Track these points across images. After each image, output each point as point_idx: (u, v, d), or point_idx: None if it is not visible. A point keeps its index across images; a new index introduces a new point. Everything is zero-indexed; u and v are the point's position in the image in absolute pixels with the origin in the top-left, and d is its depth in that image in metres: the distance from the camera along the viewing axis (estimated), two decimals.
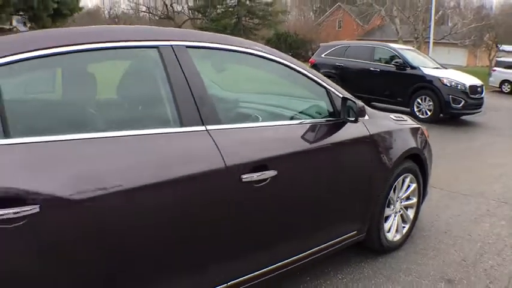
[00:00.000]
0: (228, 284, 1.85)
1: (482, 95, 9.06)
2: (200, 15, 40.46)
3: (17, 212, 1.24)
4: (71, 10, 5.61)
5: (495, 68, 17.16)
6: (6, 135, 1.32)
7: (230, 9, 38.08)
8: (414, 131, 3.08)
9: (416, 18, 26.37)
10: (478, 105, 8.95)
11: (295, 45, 32.14)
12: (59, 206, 1.33)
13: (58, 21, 5.42)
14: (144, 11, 44.08)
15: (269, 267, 2.01)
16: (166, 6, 41.92)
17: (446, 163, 5.26)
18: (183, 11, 44.18)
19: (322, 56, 10.59)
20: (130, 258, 1.50)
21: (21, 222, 1.24)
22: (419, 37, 27.48)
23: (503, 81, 16.27)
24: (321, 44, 11.23)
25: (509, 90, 16.11)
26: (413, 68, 9.13)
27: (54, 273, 1.34)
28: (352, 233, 2.55)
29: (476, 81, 9.04)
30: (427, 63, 9.56)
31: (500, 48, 25.20)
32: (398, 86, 9.16)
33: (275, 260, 2.04)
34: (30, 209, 1.25)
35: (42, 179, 1.31)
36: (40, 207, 1.27)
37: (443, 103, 8.60)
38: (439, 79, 8.80)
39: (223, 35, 2.07)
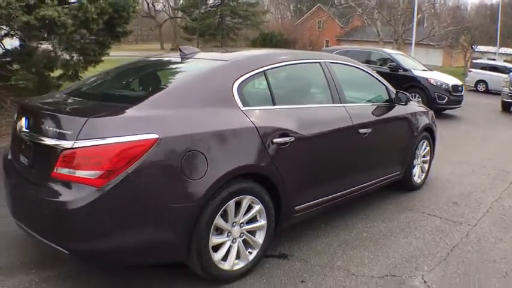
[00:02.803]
0: (350, 190, 3.64)
1: (462, 93, 11.17)
2: (182, 14, 41.93)
3: (288, 140, 2.91)
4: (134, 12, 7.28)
5: (471, 69, 19.61)
6: (273, 104, 3.02)
7: (213, 8, 39.68)
8: (427, 113, 4.97)
9: (397, 21, 28.79)
10: (458, 101, 11.05)
11: (279, 44, 34.06)
12: (300, 138, 2.99)
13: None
14: None
15: (365, 184, 3.83)
16: (148, 5, 43.18)
17: (436, 144, 7.21)
18: (164, 9, 45.60)
19: None
20: (326, 162, 3.29)
21: (288, 144, 2.92)
22: (399, 39, 29.92)
23: (478, 81, 18.69)
24: (323, 49, 13.14)
25: (483, 89, 18.53)
26: (405, 70, 11.13)
27: (301, 166, 3.05)
28: (397, 172, 4.38)
29: (457, 82, 11.15)
30: (416, 66, 11.60)
31: (476, 49, 27.90)
32: (392, 85, 11.10)
33: (369, 180, 3.86)
34: (290, 139, 2.93)
35: (293, 124, 2.98)
36: (294, 138, 2.96)
37: (430, 99, 10.61)
38: (426, 79, 10.84)
39: (344, 57, 3.91)
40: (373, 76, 4.17)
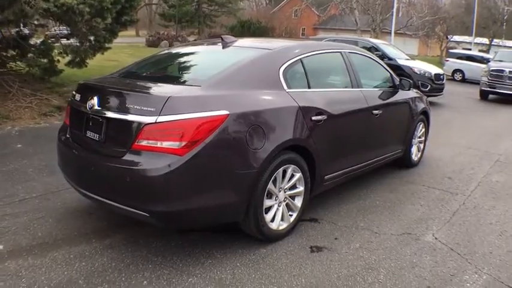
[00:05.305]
0: (364, 163, 4.21)
1: (444, 82, 11.95)
2: (158, 0, 41.58)
3: (321, 118, 3.42)
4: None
5: (448, 59, 20.61)
6: (309, 87, 3.53)
7: None
8: (424, 98, 5.59)
9: (375, 10, 29.66)
10: (440, 89, 11.83)
11: (258, 32, 34.42)
12: (331, 116, 3.51)
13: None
14: None
15: (376, 158, 4.41)
16: None
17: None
18: None
19: None
20: (348, 138, 3.86)
21: (322, 121, 3.43)
22: (376, 28, 30.82)
23: (455, 71, 19.67)
24: (310, 37, 13.67)
25: (460, 78, 19.54)
26: (390, 59, 11.80)
27: (330, 141, 3.56)
28: (399, 150, 4.99)
29: (439, 70, 11.92)
30: (399, 55, 12.30)
31: (451, 39, 29.08)
32: None
33: (379, 155, 4.45)
34: (323, 117, 3.45)
35: (325, 104, 3.49)
36: (327, 116, 3.49)
37: (414, 87, 11.33)
38: (410, 68, 11.55)
39: (359, 47, 4.45)
40: (380, 64, 4.75)
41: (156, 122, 2.65)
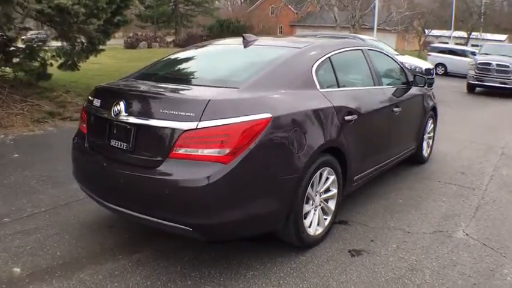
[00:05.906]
0: (387, 161, 4.19)
1: (434, 76, 12.13)
2: (134, 1, 41.01)
3: (352, 117, 3.36)
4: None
5: (430, 53, 20.96)
6: (338, 86, 3.47)
7: None
8: (432, 94, 5.61)
9: (354, 6, 29.88)
10: (430, 84, 11.95)
11: (237, 31, 34.31)
12: (360, 115, 3.45)
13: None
14: None
15: (396, 156, 4.40)
16: None
17: None
18: None
19: None
20: (374, 137, 3.83)
21: (353, 121, 3.36)
22: (355, 24, 31.06)
23: (437, 65, 19.97)
24: (296, 34, 13.62)
25: (443, 72, 19.91)
26: None
27: (359, 140, 3.50)
28: (413, 147, 4.99)
29: (429, 65, 12.11)
30: (388, 51, 12.39)
31: (429, 33, 29.57)
32: None
33: (399, 152, 4.45)
34: (353, 117, 3.39)
35: (354, 103, 3.45)
36: (357, 115, 3.42)
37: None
38: (401, 63, 11.64)
39: (374, 43, 4.39)
40: (394, 61, 4.73)
41: (196, 128, 2.49)
